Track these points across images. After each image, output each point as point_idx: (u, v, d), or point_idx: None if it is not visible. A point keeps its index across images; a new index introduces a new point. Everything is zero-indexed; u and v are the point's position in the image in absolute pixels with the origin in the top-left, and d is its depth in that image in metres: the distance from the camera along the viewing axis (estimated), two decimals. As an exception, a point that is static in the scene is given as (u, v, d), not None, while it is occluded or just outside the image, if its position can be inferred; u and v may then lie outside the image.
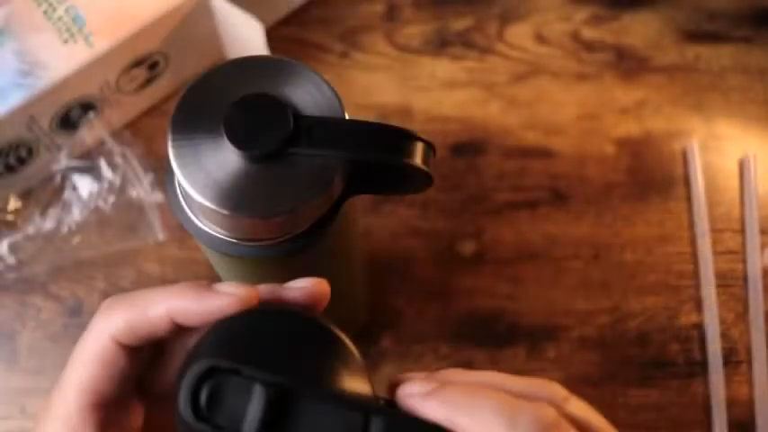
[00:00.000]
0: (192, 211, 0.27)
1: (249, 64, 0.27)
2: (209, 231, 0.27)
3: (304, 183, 0.25)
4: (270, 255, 0.27)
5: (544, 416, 0.22)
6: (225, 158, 0.25)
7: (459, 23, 0.54)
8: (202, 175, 0.25)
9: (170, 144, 0.26)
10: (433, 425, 0.22)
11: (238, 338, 0.22)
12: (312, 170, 0.25)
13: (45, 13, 0.45)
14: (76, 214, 0.49)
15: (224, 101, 0.26)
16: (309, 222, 0.27)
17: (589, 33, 0.54)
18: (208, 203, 0.25)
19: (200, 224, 0.27)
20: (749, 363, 0.46)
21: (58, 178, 0.49)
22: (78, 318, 0.47)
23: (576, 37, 0.54)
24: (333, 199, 0.27)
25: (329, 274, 0.33)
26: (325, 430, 0.21)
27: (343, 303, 0.39)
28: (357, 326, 0.46)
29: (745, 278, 0.47)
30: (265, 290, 0.24)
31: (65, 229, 0.49)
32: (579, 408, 0.24)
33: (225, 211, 0.25)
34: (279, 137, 0.25)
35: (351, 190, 0.28)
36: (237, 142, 0.25)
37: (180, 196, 0.27)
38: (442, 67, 0.53)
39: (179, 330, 0.24)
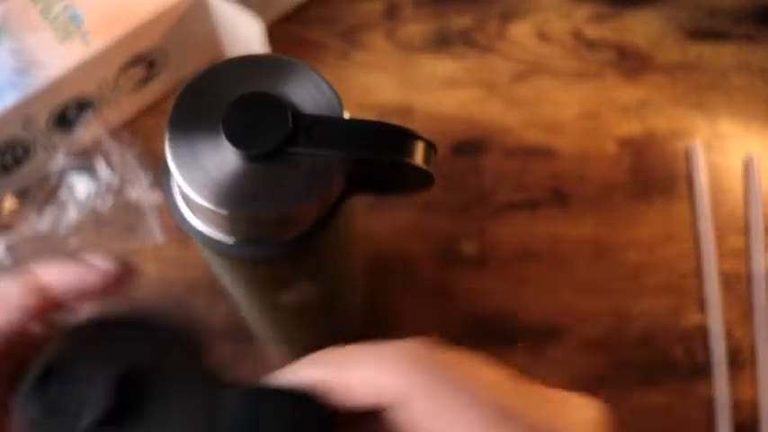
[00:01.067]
0: (190, 212, 0.27)
1: (247, 62, 0.27)
2: (208, 233, 0.27)
3: (304, 182, 0.25)
4: (269, 256, 0.27)
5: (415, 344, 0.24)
6: (223, 158, 0.25)
7: (460, 22, 0.54)
8: (200, 175, 0.25)
9: (167, 144, 0.25)
10: (301, 393, 0.22)
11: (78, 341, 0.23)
12: (312, 169, 0.25)
13: (41, 11, 0.45)
14: (73, 214, 0.48)
15: (222, 100, 0.25)
16: (309, 223, 0.27)
17: (590, 32, 0.54)
18: (206, 203, 0.25)
19: (198, 225, 0.27)
20: (753, 363, 0.45)
21: (54, 178, 0.49)
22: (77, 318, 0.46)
23: (577, 35, 0.53)
24: (333, 199, 0.27)
25: (329, 275, 0.33)
26: (175, 410, 0.21)
27: (342, 304, 0.39)
28: (356, 325, 0.45)
29: (750, 278, 0.47)
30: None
31: (62, 230, 0.48)
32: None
33: (223, 211, 0.25)
34: (278, 136, 0.25)
35: (351, 190, 0.27)
36: (236, 142, 0.25)
37: (178, 197, 0.27)
38: (443, 66, 0.52)
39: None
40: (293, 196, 0.25)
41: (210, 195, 0.25)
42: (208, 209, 0.25)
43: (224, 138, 0.25)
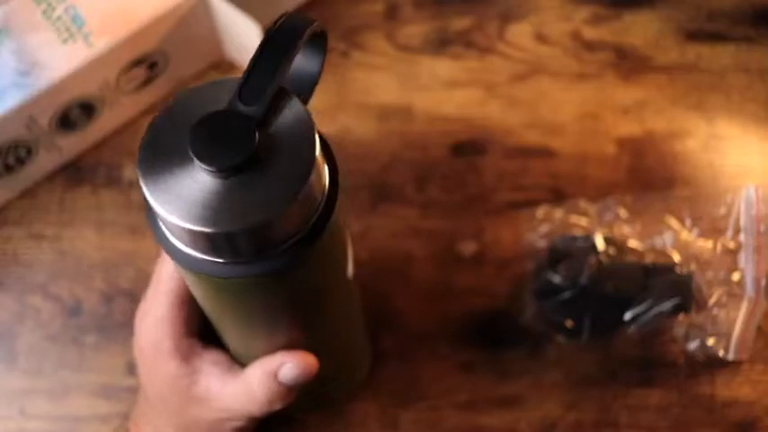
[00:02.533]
0: (177, 240, 0.27)
1: (211, 88, 0.27)
2: (201, 258, 0.27)
3: (280, 191, 0.25)
4: (266, 271, 0.27)
5: None
6: (196, 179, 0.25)
7: (460, 23, 0.54)
8: (176, 199, 0.25)
9: (140, 178, 0.25)
10: None
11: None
12: (288, 178, 0.25)
13: (44, 12, 0.45)
14: (76, 214, 0.49)
15: (189, 125, 0.25)
16: (300, 231, 0.27)
17: (589, 33, 0.54)
18: (185, 224, 0.25)
19: (187, 250, 0.27)
20: (751, 363, 0.46)
21: (57, 178, 0.49)
22: (77, 318, 0.47)
23: (576, 36, 0.54)
24: (316, 211, 0.27)
25: (320, 295, 0.32)
26: None
27: (342, 345, 0.39)
28: (363, 374, 0.45)
29: (747, 278, 0.47)
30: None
31: (64, 229, 0.48)
32: None
33: (205, 229, 0.25)
34: (244, 150, 0.25)
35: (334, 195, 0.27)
36: (204, 159, 0.25)
37: (165, 229, 0.27)
38: (443, 67, 0.53)
39: None
40: (269, 205, 0.25)
41: (188, 216, 0.25)
42: (188, 230, 0.25)
43: (194, 159, 0.25)
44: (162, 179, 0.25)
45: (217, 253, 0.26)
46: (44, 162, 0.48)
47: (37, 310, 0.47)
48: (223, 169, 0.25)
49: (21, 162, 0.47)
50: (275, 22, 0.27)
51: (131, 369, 0.46)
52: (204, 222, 0.25)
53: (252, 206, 0.25)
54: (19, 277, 0.48)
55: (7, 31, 0.45)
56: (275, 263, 0.27)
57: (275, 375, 0.33)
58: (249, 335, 0.34)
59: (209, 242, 0.26)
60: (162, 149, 0.26)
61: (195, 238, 0.26)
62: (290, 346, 0.34)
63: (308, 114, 0.26)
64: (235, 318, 0.32)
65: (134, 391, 0.45)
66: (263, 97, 0.26)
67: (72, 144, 0.49)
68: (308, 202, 0.26)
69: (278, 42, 0.26)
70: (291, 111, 0.26)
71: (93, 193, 0.49)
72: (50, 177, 0.49)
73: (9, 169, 0.47)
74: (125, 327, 0.47)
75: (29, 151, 0.47)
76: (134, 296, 0.47)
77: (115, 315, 0.47)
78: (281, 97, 0.26)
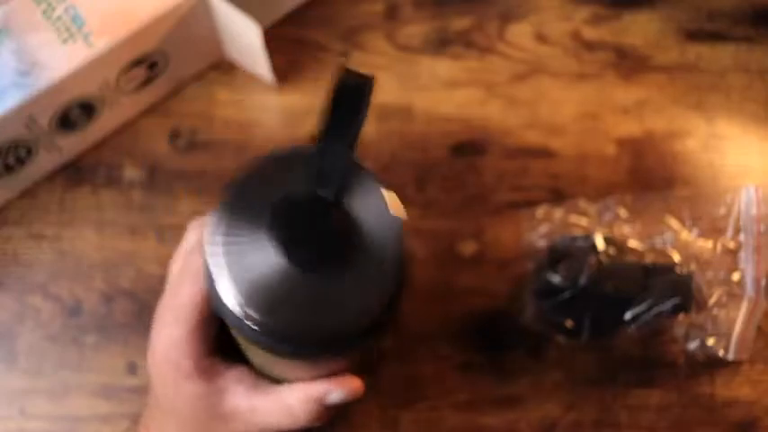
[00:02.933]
0: (231, 304, 0.25)
1: (296, 152, 0.25)
2: (252, 326, 0.25)
3: (350, 296, 0.24)
4: (307, 353, 0.26)
5: None
6: (270, 259, 0.24)
7: (460, 23, 0.54)
8: (244, 275, 0.24)
9: (213, 239, 0.24)
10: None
11: None
12: (360, 281, 0.24)
13: (44, 12, 0.45)
14: (76, 214, 0.49)
15: (275, 197, 0.24)
16: (369, 321, 0.25)
17: (589, 33, 0.54)
18: (252, 312, 0.24)
19: (242, 317, 0.25)
20: (751, 363, 0.46)
21: (57, 178, 0.49)
22: (77, 318, 0.47)
23: (576, 36, 0.54)
24: (387, 299, 0.26)
25: (362, 358, 0.32)
26: None
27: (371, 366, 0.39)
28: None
29: (747, 278, 0.47)
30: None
31: (64, 229, 0.48)
32: None
33: (269, 322, 0.24)
34: (326, 245, 0.23)
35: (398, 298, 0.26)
36: (285, 252, 0.23)
37: (216, 288, 0.25)
38: (443, 67, 0.53)
39: None
40: (340, 313, 0.24)
41: (251, 301, 0.23)
42: (251, 316, 0.24)
43: (269, 240, 0.23)
44: (234, 248, 0.24)
45: (272, 336, 0.25)
46: (44, 162, 0.48)
47: (37, 310, 0.47)
48: (302, 265, 0.23)
49: (21, 162, 0.47)
50: (334, 86, 0.24)
51: (131, 369, 0.46)
52: (268, 316, 0.23)
53: (319, 310, 0.23)
54: (19, 277, 0.48)
55: (7, 31, 0.45)
56: (334, 351, 0.25)
57: (320, 400, 0.32)
58: (285, 371, 0.33)
59: (266, 328, 0.24)
60: (237, 218, 0.24)
61: (252, 320, 0.24)
62: (329, 374, 0.33)
63: (386, 199, 0.25)
64: (274, 362, 0.31)
65: (134, 390, 0.45)
66: (339, 179, 0.24)
67: (72, 144, 0.49)
68: (381, 304, 0.25)
69: (345, 112, 0.25)
70: (368, 192, 0.25)
71: (93, 193, 0.49)
72: (50, 177, 0.49)
73: (9, 169, 0.47)
74: (125, 327, 0.47)
75: (29, 151, 0.47)
76: (134, 296, 0.47)
77: (115, 315, 0.47)
78: (354, 174, 0.25)
